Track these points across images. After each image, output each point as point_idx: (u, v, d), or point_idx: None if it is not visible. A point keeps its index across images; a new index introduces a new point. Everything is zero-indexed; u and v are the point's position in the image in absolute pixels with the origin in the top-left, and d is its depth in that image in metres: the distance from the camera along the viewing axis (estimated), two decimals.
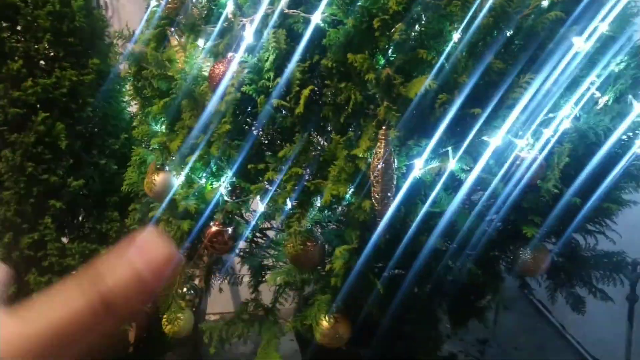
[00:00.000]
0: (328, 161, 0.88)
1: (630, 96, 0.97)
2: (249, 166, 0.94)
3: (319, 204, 0.91)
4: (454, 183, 0.92)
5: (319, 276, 0.97)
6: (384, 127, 0.81)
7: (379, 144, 0.82)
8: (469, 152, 0.88)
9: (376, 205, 0.84)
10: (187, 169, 1.00)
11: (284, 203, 0.89)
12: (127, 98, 1.35)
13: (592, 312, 1.22)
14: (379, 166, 0.81)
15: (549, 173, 0.88)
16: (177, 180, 1.04)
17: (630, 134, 1.01)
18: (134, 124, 1.27)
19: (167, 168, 1.09)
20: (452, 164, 0.86)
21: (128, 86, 1.27)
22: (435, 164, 0.88)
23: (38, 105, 1.18)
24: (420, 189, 0.90)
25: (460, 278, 0.96)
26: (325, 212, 0.91)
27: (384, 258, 0.91)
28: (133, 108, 1.40)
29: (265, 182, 0.96)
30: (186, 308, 1.23)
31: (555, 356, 1.98)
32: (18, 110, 1.15)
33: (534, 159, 0.91)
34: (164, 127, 1.12)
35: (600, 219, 1.11)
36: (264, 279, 1.31)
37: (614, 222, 1.13)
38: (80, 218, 1.29)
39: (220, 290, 1.48)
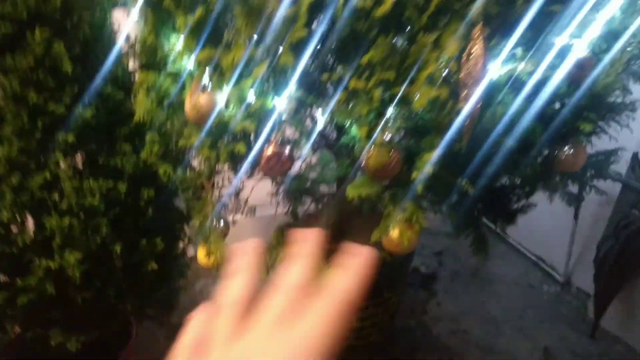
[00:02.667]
0: (411, 65, 0.86)
1: None
2: (324, 76, 0.88)
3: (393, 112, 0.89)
4: (519, 85, 0.95)
5: (398, 186, 0.96)
6: (479, 24, 0.80)
7: (472, 43, 0.81)
8: (536, 54, 0.91)
9: (468, 107, 0.84)
10: (248, 86, 0.91)
11: (370, 114, 0.86)
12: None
13: (531, 217, 1.30)
14: (477, 66, 0.81)
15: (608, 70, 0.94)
16: (229, 99, 0.95)
17: None
18: (143, 42, 1.11)
19: (209, 88, 0.98)
20: (530, 65, 0.88)
21: None
22: (511, 65, 0.89)
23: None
24: (493, 92, 0.92)
25: (517, 176, 1.01)
26: (410, 119, 0.89)
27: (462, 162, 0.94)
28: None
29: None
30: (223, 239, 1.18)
31: (500, 259, 2.23)
32: (8, 27, 0.95)
33: (586, 57, 0.96)
34: (194, 42, 1.00)
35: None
36: (301, 203, 1.29)
37: None
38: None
39: (234, 222, 1.43)
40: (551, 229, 2.05)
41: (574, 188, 1.34)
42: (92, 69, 1.12)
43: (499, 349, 1.70)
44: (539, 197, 1.24)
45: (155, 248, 1.17)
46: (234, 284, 0.34)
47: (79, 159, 1.13)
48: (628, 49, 0.95)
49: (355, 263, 0.32)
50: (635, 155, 1.59)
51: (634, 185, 1.53)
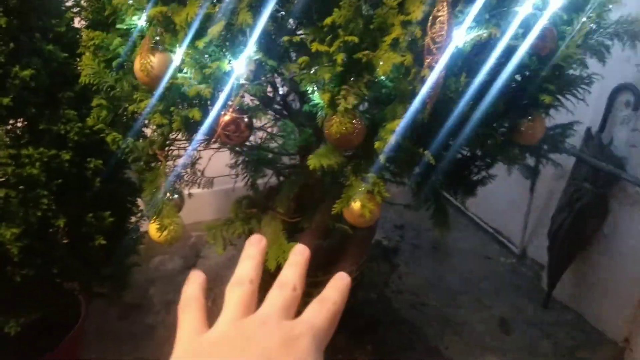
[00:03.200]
0: (376, 29, 0.82)
1: None
2: (285, 38, 0.83)
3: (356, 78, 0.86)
4: (483, 54, 0.94)
5: (361, 157, 0.94)
6: None
7: (439, 7, 0.78)
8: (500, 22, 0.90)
9: (432, 75, 0.82)
10: (202, 47, 0.85)
11: (332, 78, 0.82)
12: None
13: (489, 190, 1.33)
14: (442, 32, 0.78)
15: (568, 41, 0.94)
16: (183, 61, 0.89)
17: None
18: None
19: (160, 47, 0.91)
20: (494, 33, 0.86)
21: None
22: (475, 32, 0.87)
23: None
24: (457, 60, 0.90)
25: (477, 147, 1.01)
26: (374, 86, 0.86)
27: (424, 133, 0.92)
28: None
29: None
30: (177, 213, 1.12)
31: (459, 232, 2.29)
32: None
33: (547, 29, 0.96)
34: None
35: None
36: (262, 175, 1.25)
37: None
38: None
39: (190, 195, 1.37)
40: (508, 202, 2.10)
41: (530, 161, 1.36)
42: (31, 25, 1.02)
43: (457, 320, 1.74)
44: (497, 170, 1.25)
45: (103, 222, 1.10)
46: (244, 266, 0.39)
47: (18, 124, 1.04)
48: (586, 21, 0.95)
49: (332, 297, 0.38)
50: (588, 129, 1.63)
51: (586, 159, 1.58)
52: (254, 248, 0.41)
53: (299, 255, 0.41)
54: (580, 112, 1.17)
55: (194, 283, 0.39)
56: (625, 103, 1.57)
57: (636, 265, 1.58)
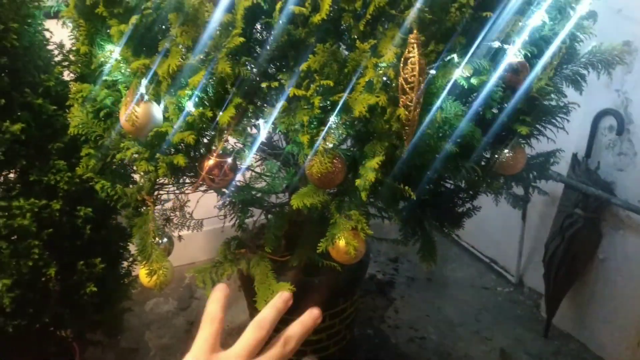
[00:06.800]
0: (350, 72, 0.85)
1: None
2: (264, 84, 0.87)
3: (334, 119, 0.88)
4: (455, 89, 0.97)
5: (344, 193, 0.95)
6: (415, 31, 0.80)
7: (409, 49, 0.81)
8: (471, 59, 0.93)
9: (407, 113, 0.85)
10: (186, 96, 0.88)
11: (310, 121, 0.85)
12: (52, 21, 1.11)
13: (483, 220, 1.34)
14: (414, 73, 0.81)
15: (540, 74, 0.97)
16: (167, 110, 0.92)
17: None
18: (77, 52, 1.06)
19: (145, 97, 0.94)
20: (467, 71, 0.90)
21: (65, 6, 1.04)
22: (447, 70, 0.90)
23: None
24: (432, 97, 0.92)
25: (460, 181, 1.02)
26: (352, 126, 0.88)
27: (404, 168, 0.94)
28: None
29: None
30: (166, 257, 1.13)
31: (455, 262, 2.28)
32: None
33: (520, 62, 0.99)
34: (129, 51, 0.96)
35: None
36: (250, 215, 1.26)
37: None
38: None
39: (180, 238, 1.38)
40: (502, 230, 2.10)
41: (518, 189, 1.38)
42: (21, 81, 1.06)
43: (457, 353, 1.71)
44: (488, 199, 1.26)
45: (94, 269, 1.10)
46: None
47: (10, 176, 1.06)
48: (559, 53, 0.99)
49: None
50: (574, 155, 1.66)
51: (575, 184, 1.59)
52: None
53: (280, 301, 0.44)
54: (566, 138, 1.19)
55: (217, 302, 0.43)
56: (608, 128, 1.60)
57: (635, 289, 1.57)
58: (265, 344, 0.41)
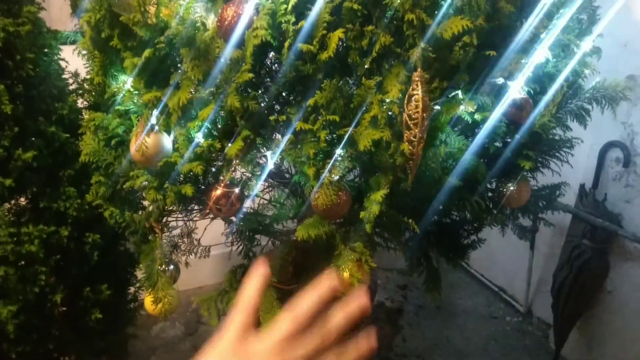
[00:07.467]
0: (356, 108, 0.87)
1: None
2: (272, 118, 0.88)
3: (340, 152, 0.90)
4: (459, 124, 0.98)
5: (349, 223, 0.96)
6: (419, 69, 0.82)
7: (414, 86, 0.83)
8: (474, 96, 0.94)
9: (411, 148, 0.86)
10: (196, 128, 0.90)
11: (317, 153, 0.86)
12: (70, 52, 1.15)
13: (493, 248, 1.34)
14: (418, 109, 0.82)
15: (543, 110, 0.98)
16: (177, 141, 0.94)
17: None
18: (91, 82, 1.09)
19: (156, 128, 0.97)
20: (471, 107, 0.91)
21: (82, 37, 1.08)
22: (451, 106, 0.92)
23: None
24: (435, 132, 0.94)
25: (465, 213, 1.03)
26: (357, 159, 0.90)
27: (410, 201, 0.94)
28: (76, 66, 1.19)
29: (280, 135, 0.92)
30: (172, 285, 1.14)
31: (463, 291, 2.26)
32: None
33: (524, 98, 1.01)
34: (142, 83, 0.99)
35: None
36: (257, 243, 1.27)
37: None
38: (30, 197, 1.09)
39: (187, 265, 1.39)
40: (510, 259, 2.09)
41: (525, 221, 1.37)
42: (35, 109, 1.09)
43: None
44: (497, 229, 1.26)
45: (100, 295, 1.11)
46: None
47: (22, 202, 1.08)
48: (561, 90, 1.00)
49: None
50: (582, 186, 1.65)
51: (582, 215, 1.58)
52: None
53: (325, 287, 0.40)
54: (574, 169, 1.19)
55: (254, 287, 0.39)
56: (615, 160, 1.60)
57: None
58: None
